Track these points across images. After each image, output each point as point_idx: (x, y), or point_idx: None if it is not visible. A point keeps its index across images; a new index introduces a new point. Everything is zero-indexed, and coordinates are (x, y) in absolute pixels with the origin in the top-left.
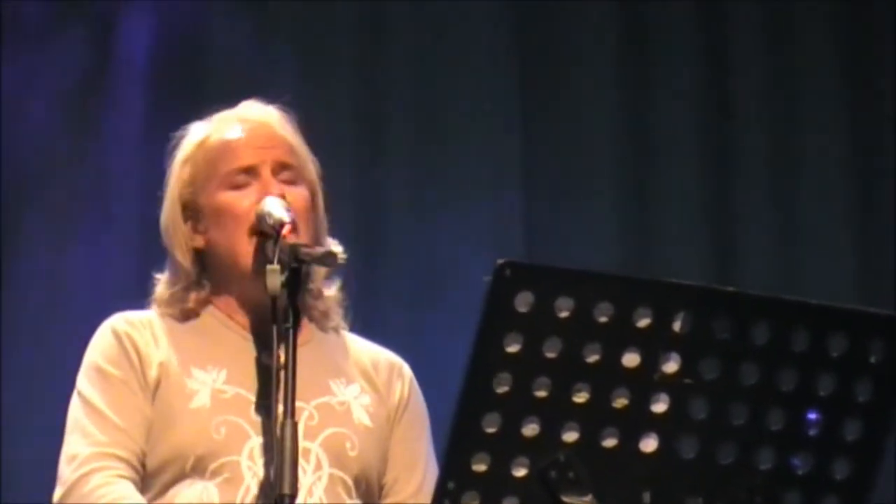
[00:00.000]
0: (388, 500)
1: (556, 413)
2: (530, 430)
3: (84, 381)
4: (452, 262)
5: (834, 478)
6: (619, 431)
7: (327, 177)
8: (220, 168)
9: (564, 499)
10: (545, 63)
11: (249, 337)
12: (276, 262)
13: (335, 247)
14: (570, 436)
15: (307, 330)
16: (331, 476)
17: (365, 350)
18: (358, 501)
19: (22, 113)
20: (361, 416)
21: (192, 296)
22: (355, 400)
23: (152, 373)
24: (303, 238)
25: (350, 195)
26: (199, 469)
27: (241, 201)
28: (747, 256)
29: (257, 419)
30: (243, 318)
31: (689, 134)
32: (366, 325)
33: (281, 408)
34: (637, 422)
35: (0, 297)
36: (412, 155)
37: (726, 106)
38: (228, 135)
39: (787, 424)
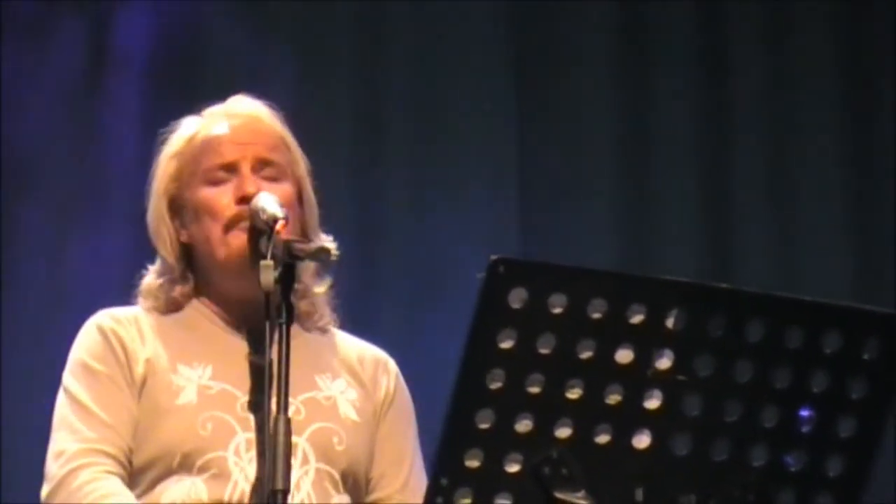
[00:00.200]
0: (375, 496)
1: (549, 409)
2: (524, 426)
3: (70, 378)
4: (450, 262)
5: (827, 475)
6: (613, 428)
7: (326, 176)
8: (203, 164)
9: (557, 495)
10: (543, 63)
11: (234, 332)
12: (269, 257)
13: (328, 243)
14: (564, 432)
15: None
16: (318, 471)
17: (351, 346)
18: (345, 496)
19: (19, 110)
20: (348, 411)
21: (178, 289)
22: (341, 395)
23: (139, 369)
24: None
25: (349, 194)
26: (186, 465)
27: (219, 197)
28: (745, 257)
29: (244, 415)
30: (227, 313)
31: (688, 134)
32: (364, 323)
33: (274, 403)
34: (630, 418)
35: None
36: (410, 154)
37: (725, 107)
38: (214, 131)
39: (780, 421)
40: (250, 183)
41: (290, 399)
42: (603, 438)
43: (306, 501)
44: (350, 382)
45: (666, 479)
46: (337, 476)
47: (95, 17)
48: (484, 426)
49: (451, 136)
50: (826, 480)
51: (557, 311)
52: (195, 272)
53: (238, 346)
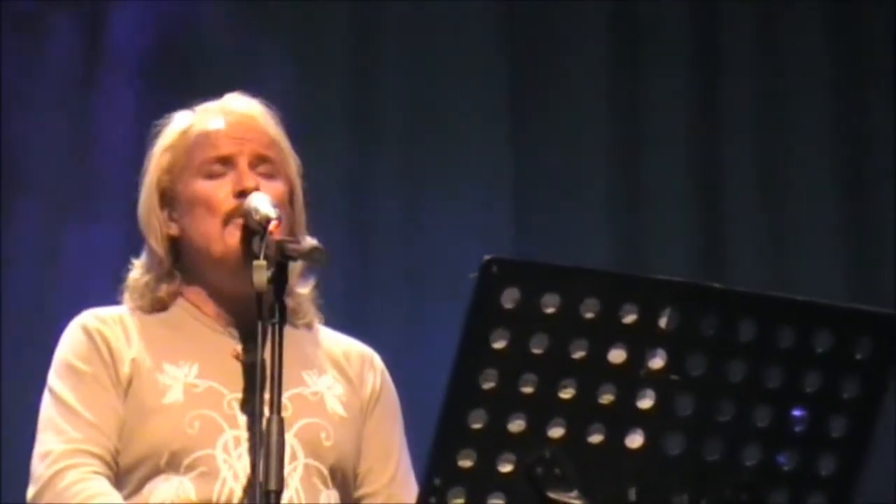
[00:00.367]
0: (362, 491)
1: (542, 409)
2: (516, 426)
3: (55, 379)
4: (445, 261)
5: (819, 474)
6: (606, 428)
7: (321, 175)
8: (198, 157)
9: (550, 495)
10: (538, 64)
11: (220, 329)
12: (262, 257)
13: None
14: (557, 432)
15: None
16: (306, 466)
17: (336, 341)
18: (334, 491)
19: (16, 109)
20: (335, 406)
21: (164, 287)
22: (328, 390)
23: (124, 369)
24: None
25: (344, 193)
26: (173, 464)
27: (216, 191)
28: (738, 257)
29: (230, 412)
30: (214, 310)
31: (682, 135)
32: (358, 322)
33: (264, 402)
34: (623, 418)
35: None
36: (406, 154)
37: (719, 108)
38: (210, 125)
39: (772, 421)
40: (249, 178)
41: None
42: (596, 438)
43: (295, 498)
44: (337, 378)
45: (659, 478)
46: (325, 471)
47: (91, 14)
48: (477, 426)
49: (446, 135)
50: (818, 480)
51: (550, 310)
52: (182, 267)
53: (224, 344)
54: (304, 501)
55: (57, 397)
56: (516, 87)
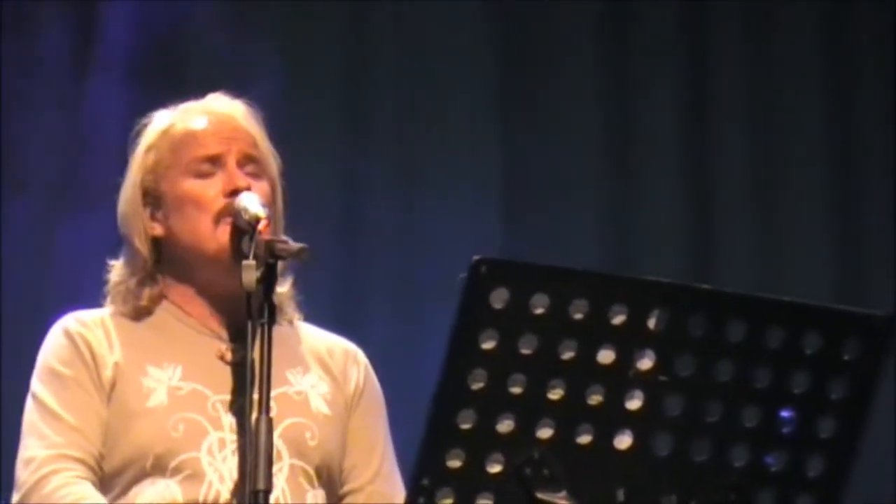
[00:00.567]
0: (347, 486)
1: (531, 409)
2: (505, 426)
3: (38, 384)
4: (435, 259)
5: (808, 475)
6: (594, 428)
7: (311, 174)
8: (185, 156)
9: (539, 495)
10: (527, 64)
11: (204, 330)
12: (251, 257)
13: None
14: (545, 432)
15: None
16: (292, 467)
17: (319, 338)
18: (320, 490)
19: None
20: (319, 405)
21: (146, 292)
22: (312, 389)
23: (107, 373)
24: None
25: (334, 192)
26: (159, 468)
27: (206, 190)
28: (727, 257)
29: (215, 414)
30: (199, 311)
31: (672, 135)
32: (348, 320)
33: (251, 402)
34: (612, 418)
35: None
36: (396, 153)
37: (709, 108)
38: (193, 124)
39: (761, 422)
40: (240, 177)
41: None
42: (584, 439)
43: (281, 498)
44: (321, 376)
45: (647, 479)
46: (311, 471)
47: (81, 14)
48: (466, 426)
49: (438, 135)
50: (806, 481)
51: (539, 311)
52: (165, 268)
53: (208, 345)
54: (290, 502)
55: (39, 402)
56: (507, 87)
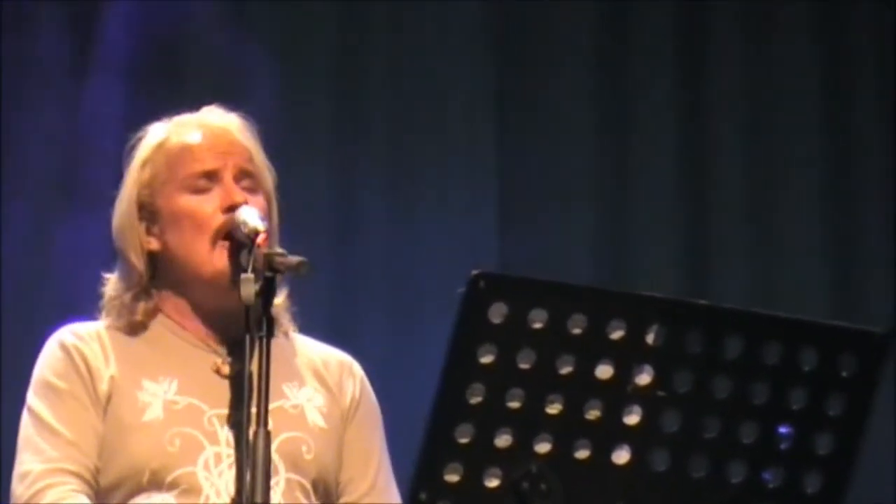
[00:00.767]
0: (343, 500)
1: (529, 424)
2: (503, 440)
3: (33, 397)
4: (430, 269)
5: (805, 491)
6: (592, 443)
7: (306, 181)
8: (181, 171)
9: None
10: (523, 70)
11: (200, 344)
12: (250, 270)
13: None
14: (543, 447)
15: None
16: (288, 481)
17: (315, 350)
18: (317, 503)
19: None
20: (315, 419)
21: (141, 306)
22: (308, 402)
23: (103, 387)
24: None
25: (328, 200)
26: (155, 482)
27: (203, 206)
28: (723, 268)
29: (211, 429)
30: (194, 325)
31: (668, 142)
32: (344, 331)
33: (248, 416)
34: (610, 434)
35: None
36: (390, 161)
37: (705, 114)
38: (189, 138)
39: (758, 438)
40: (237, 192)
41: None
42: (582, 454)
43: None
44: (317, 388)
45: (645, 494)
46: (307, 485)
47: (80, 14)
48: (463, 440)
49: (430, 142)
50: (804, 497)
51: (538, 325)
52: (160, 282)
53: (204, 359)
54: None
55: (35, 416)
56: (501, 93)
